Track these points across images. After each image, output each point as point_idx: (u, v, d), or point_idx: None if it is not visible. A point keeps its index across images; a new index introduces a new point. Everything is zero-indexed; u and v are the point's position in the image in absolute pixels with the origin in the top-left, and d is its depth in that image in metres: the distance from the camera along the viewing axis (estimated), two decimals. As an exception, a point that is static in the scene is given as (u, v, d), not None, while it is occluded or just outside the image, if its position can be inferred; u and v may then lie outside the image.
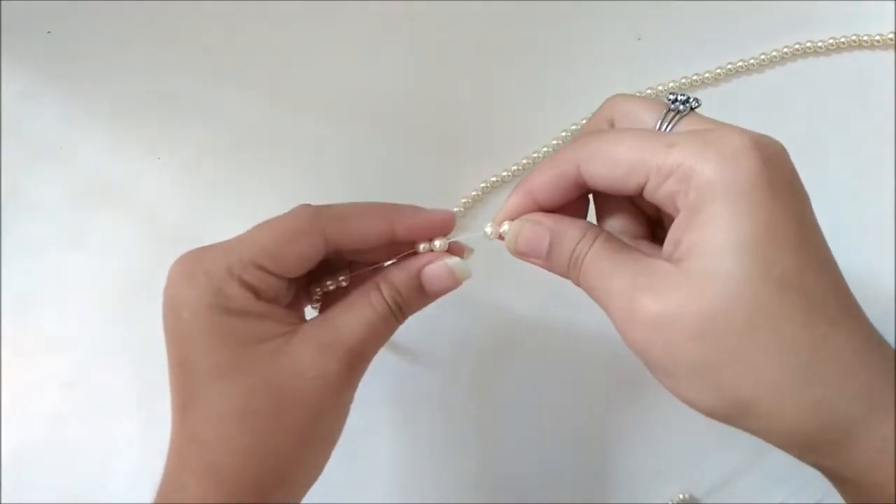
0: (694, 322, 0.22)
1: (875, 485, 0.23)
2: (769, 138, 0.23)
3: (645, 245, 0.26)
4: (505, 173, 0.41)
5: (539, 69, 0.43)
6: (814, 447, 0.23)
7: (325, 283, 0.30)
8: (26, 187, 0.42)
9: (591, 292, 0.26)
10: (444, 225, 0.29)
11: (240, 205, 0.41)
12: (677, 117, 0.25)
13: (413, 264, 0.29)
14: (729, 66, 0.42)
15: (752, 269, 0.22)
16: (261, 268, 0.27)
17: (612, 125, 0.27)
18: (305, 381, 0.27)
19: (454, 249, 0.30)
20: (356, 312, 0.28)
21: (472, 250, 0.30)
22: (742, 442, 0.38)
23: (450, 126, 0.42)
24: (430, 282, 0.29)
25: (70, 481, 0.38)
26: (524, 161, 0.41)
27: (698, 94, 0.42)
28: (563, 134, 0.41)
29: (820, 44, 0.42)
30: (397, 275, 0.29)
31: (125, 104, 0.43)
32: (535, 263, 0.27)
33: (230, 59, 0.43)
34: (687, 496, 0.37)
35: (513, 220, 0.27)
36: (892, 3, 0.42)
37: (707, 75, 0.42)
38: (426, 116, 0.42)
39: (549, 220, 0.26)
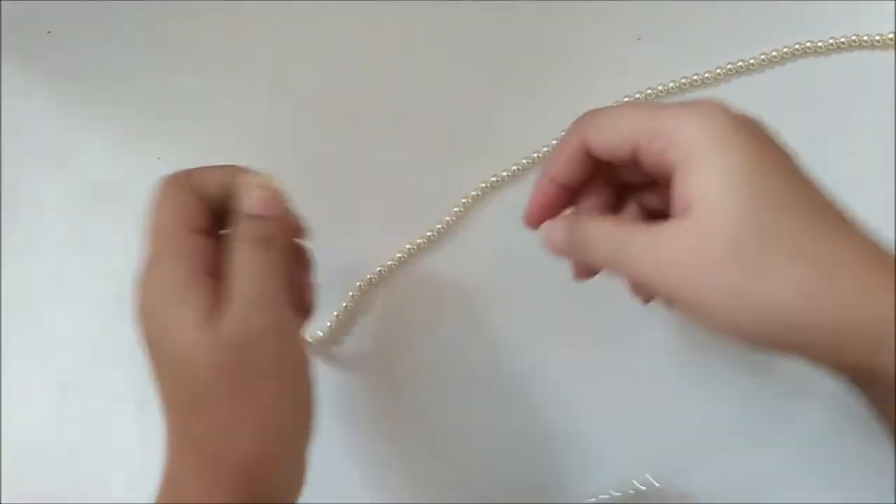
0: (718, 250, 0.24)
1: None
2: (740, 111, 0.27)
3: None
4: (505, 173, 0.41)
5: (539, 69, 0.43)
6: (852, 345, 0.24)
7: None
8: (26, 187, 0.42)
9: (607, 262, 0.28)
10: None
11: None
12: None
13: (239, 207, 0.30)
14: (729, 66, 0.42)
15: (751, 194, 0.25)
16: (194, 230, 0.29)
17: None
18: (239, 349, 0.27)
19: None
20: (234, 272, 0.28)
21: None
22: (734, 441, 0.38)
23: (450, 126, 0.42)
24: (254, 207, 0.30)
25: (70, 481, 0.39)
26: (524, 161, 0.41)
27: (698, 94, 0.43)
28: (563, 134, 0.41)
29: (820, 44, 0.42)
30: (236, 223, 0.30)
31: (125, 104, 0.43)
32: (564, 257, 0.30)
33: (230, 59, 0.43)
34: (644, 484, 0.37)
35: (539, 211, 0.31)
36: (892, 3, 0.42)
37: (707, 75, 0.42)
38: (426, 116, 0.42)
39: (566, 217, 0.30)
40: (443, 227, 0.40)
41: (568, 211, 0.32)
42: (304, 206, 0.41)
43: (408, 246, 0.40)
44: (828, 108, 0.42)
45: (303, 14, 0.44)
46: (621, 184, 0.31)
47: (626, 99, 0.42)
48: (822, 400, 0.38)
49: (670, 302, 0.27)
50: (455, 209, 0.41)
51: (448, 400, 0.39)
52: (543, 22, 0.43)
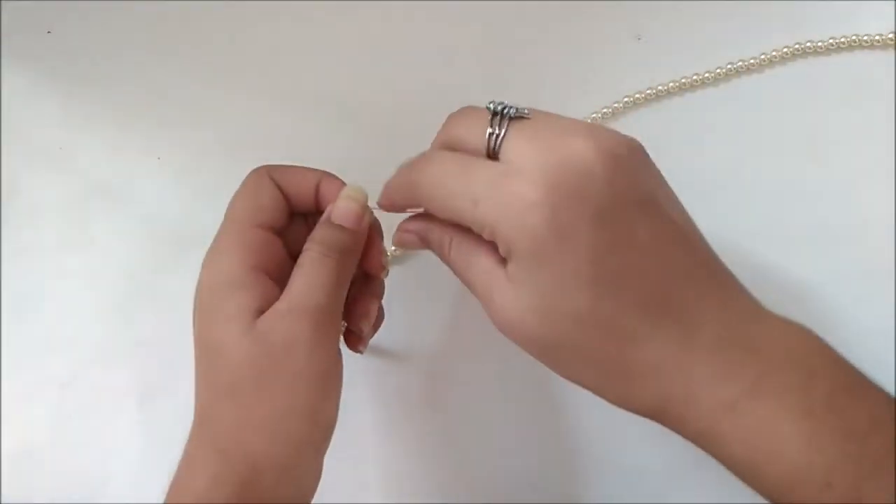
0: (527, 334, 0.27)
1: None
2: (578, 167, 0.25)
3: None
4: (505, 173, 0.41)
5: (539, 69, 0.43)
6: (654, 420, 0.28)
7: None
8: (26, 188, 0.42)
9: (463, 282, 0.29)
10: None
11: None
12: (502, 135, 0.27)
13: (324, 215, 0.31)
14: (729, 66, 0.42)
15: (549, 309, 0.26)
16: (258, 225, 0.29)
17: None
18: (276, 350, 0.27)
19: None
20: (295, 273, 0.29)
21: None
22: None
23: (450, 126, 0.42)
24: (340, 215, 0.30)
25: (70, 481, 0.38)
26: (524, 161, 0.41)
27: (698, 94, 0.43)
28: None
29: (820, 44, 0.42)
30: (315, 229, 0.30)
31: (125, 104, 0.43)
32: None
33: (230, 59, 0.43)
34: None
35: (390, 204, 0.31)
36: (892, 3, 0.42)
37: (707, 75, 0.42)
38: (427, 116, 0.42)
39: (420, 224, 0.30)
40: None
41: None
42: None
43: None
44: (828, 108, 0.42)
45: (303, 14, 0.44)
46: None
47: (625, 100, 0.42)
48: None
49: None
50: (455, 209, 0.40)
51: (444, 401, 0.39)
52: (543, 22, 0.43)
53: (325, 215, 0.31)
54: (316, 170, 0.32)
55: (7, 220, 0.42)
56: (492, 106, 0.27)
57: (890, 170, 0.40)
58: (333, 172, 0.33)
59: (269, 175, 0.31)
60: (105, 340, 0.40)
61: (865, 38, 0.42)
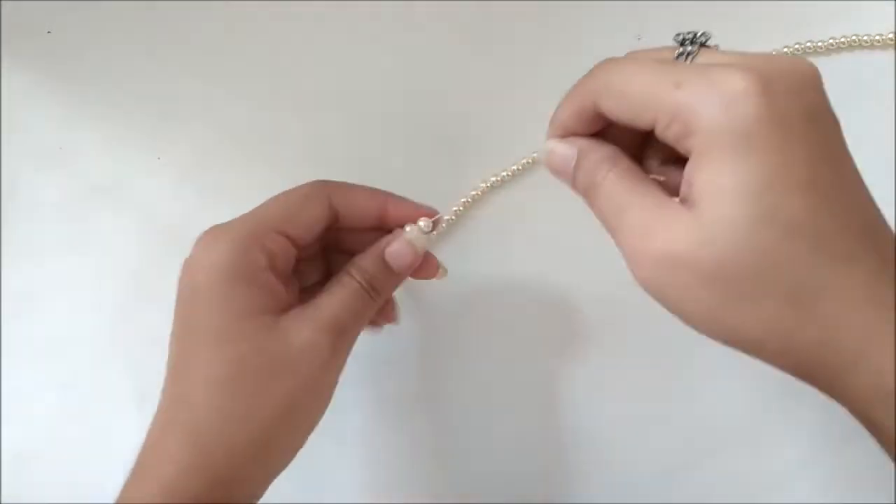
0: (704, 267, 0.22)
1: (873, 422, 0.23)
2: (788, 68, 0.23)
3: (672, 172, 0.26)
4: (505, 173, 0.41)
5: (539, 69, 0.43)
6: (815, 380, 0.23)
7: None
8: (26, 187, 0.42)
9: (604, 221, 0.25)
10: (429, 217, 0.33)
11: (240, 205, 0.41)
12: (690, 57, 0.25)
13: (377, 245, 0.31)
14: (729, 66, 0.42)
15: (758, 214, 0.22)
16: (281, 232, 0.30)
17: None
18: (294, 352, 0.28)
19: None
20: (332, 292, 0.30)
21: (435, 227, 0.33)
22: (734, 441, 0.38)
23: (450, 126, 0.42)
24: (394, 258, 0.31)
25: (70, 481, 0.39)
26: (524, 161, 0.41)
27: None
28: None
29: (820, 44, 0.42)
30: (364, 257, 0.31)
31: (125, 104, 0.43)
32: (566, 182, 0.27)
33: (230, 60, 0.43)
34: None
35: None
36: (893, 3, 0.42)
37: (707, 75, 0.42)
38: (426, 116, 0.42)
39: (580, 141, 0.26)
40: (442, 227, 0.40)
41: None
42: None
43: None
44: (828, 108, 0.41)
45: (303, 14, 0.44)
46: None
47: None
48: (822, 400, 0.38)
49: (649, 293, 0.25)
50: (455, 209, 0.41)
51: (444, 402, 0.39)
52: (544, 22, 0.43)
53: (380, 246, 0.31)
54: (380, 192, 0.32)
55: (7, 220, 0.42)
56: (681, 36, 0.26)
57: (890, 170, 0.40)
58: (376, 186, 0.33)
59: (327, 192, 0.31)
60: (105, 340, 0.40)
61: (865, 38, 0.42)
